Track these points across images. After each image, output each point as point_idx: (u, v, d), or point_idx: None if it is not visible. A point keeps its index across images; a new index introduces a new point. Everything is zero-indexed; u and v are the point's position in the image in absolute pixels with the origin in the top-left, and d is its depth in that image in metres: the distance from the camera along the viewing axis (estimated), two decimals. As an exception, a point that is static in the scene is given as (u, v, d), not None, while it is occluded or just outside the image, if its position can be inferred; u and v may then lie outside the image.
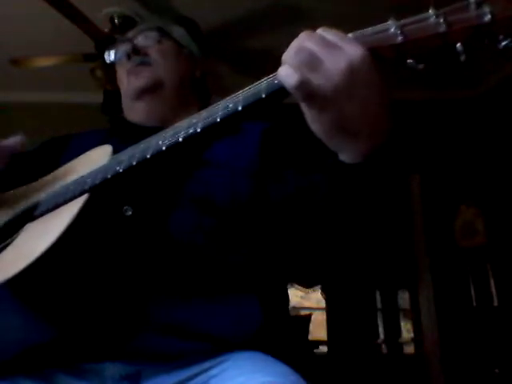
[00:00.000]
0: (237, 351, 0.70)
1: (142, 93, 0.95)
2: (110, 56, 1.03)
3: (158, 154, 0.66)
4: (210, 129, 0.62)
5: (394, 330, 4.16)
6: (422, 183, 3.60)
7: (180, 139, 0.64)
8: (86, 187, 0.72)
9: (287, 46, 0.56)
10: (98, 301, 0.73)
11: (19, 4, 2.74)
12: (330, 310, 3.89)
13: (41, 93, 3.55)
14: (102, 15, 2.83)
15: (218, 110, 0.62)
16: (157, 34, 1.00)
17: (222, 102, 0.62)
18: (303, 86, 0.52)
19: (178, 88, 0.97)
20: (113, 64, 1.04)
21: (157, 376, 0.70)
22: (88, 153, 0.86)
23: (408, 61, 0.52)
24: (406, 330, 4.22)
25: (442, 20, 0.49)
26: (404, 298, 4.18)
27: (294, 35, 0.56)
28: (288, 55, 0.54)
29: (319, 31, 0.56)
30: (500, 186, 3.38)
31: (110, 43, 2.93)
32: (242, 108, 0.58)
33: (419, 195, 3.59)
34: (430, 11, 0.50)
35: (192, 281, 0.75)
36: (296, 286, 5.30)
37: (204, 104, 0.99)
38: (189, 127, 0.64)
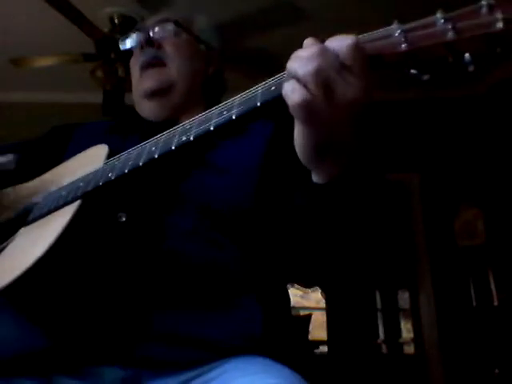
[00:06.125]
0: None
1: (153, 95, 0.93)
2: (125, 44, 1.01)
3: (151, 162, 0.65)
4: (204, 137, 0.60)
5: (393, 330, 4.17)
6: (421, 183, 3.60)
7: (173, 147, 0.63)
8: (79, 193, 0.71)
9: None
10: (94, 308, 0.71)
11: (19, 4, 2.74)
12: (330, 309, 3.89)
13: (41, 93, 3.56)
14: (101, 15, 2.83)
15: (212, 117, 0.60)
16: (174, 26, 0.98)
17: (216, 108, 0.61)
18: (307, 106, 0.51)
19: (188, 88, 0.95)
20: (124, 53, 1.03)
21: (157, 379, 0.69)
22: (84, 153, 0.85)
23: (411, 71, 0.48)
24: (406, 329, 4.22)
25: (450, 26, 0.45)
26: (404, 298, 4.18)
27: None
28: (300, 70, 0.50)
29: (330, 44, 0.52)
30: (500, 186, 3.38)
31: (110, 43, 2.93)
32: (236, 117, 0.57)
33: (419, 195, 3.59)
34: (438, 15, 0.46)
35: (190, 287, 0.73)
36: (296, 285, 5.30)
37: (212, 102, 0.99)
38: (182, 134, 0.63)
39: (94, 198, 0.71)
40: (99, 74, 2.89)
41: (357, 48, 0.50)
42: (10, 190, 0.92)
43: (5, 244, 0.78)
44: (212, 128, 0.59)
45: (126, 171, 0.67)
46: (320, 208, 0.63)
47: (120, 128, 0.97)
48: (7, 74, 3.13)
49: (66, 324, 0.70)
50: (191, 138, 0.61)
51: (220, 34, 1.09)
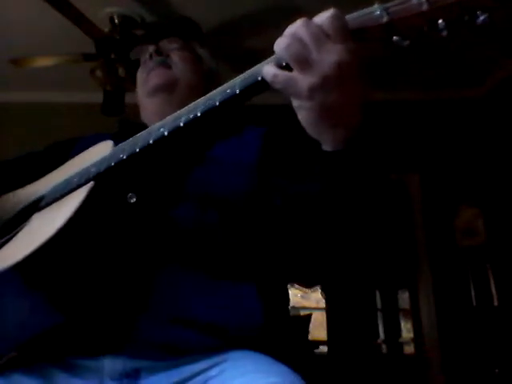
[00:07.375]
0: (235, 351, 0.70)
1: (157, 90, 1.00)
2: (135, 55, 1.08)
3: (161, 140, 0.68)
4: (210, 112, 0.63)
5: (393, 330, 4.17)
6: (421, 183, 3.60)
7: (181, 124, 0.65)
8: (91, 176, 0.74)
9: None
10: (101, 286, 0.75)
11: (19, 4, 2.74)
12: (329, 309, 3.89)
13: (41, 93, 3.55)
14: (101, 15, 2.83)
15: (216, 95, 0.63)
16: (181, 41, 1.07)
17: (219, 88, 0.64)
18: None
19: (190, 92, 1.00)
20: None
21: (156, 375, 0.70)
22: (89, 150, 0.88)
23: (394, 37, 0.55)
24: (406, 329, 4.22)
25: (424, 0, 0.53)
26: (404, 298, 4.18)
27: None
28: (281, 47, 0.57)
29: (314, 19, 0.60)
30: (500, 185, 3.38)
31: (109, 43, 2.93)
32: (240, 91, 0.60)
33: (419, 195, 3.59)
34: None
35: (194, 270, 0.76)
36: (296, 285, 5.30)
37: None
38: (189, 112, 0.66)
39: (106, 179, 0.74)
40: (99, 73, 2.89)
41: (336, 17, 0.58)
42: (14, 192, 0.93)
43: (19, 228, 0.81)
44: (218, 103, 0.62)
45: (137, 150, 0.70)
46: (332, 181, 0.65)
47: (122, 136, 0.98)
48: (7, 73, 3.13)
49: (76, 299, 0.73)
50: (198, 114, 0.64)
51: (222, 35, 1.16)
